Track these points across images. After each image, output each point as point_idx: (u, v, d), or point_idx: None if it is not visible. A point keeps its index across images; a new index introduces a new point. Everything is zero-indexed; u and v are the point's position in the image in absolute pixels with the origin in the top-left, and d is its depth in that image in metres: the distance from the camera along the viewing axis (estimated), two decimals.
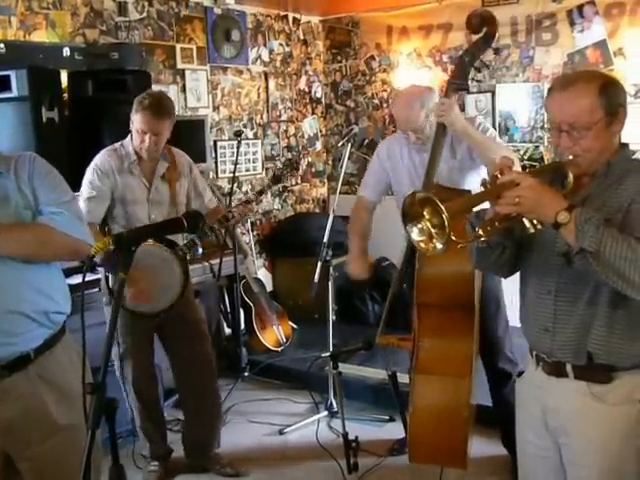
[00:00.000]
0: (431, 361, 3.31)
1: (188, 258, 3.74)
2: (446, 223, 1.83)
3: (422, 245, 1.96)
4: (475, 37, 3.57)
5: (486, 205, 2.07)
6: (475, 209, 2.09)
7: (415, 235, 1.96)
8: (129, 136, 3.76)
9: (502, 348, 3.72)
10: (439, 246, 1.90)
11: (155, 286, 3.57)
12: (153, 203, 3.75)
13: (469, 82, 3.66)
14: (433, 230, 1.91)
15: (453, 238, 1.87)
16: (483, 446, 3.87)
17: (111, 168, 3.68)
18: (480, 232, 2.02)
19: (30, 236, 2.30)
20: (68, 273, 2.54)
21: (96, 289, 3.84)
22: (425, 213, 1.92)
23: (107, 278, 3.58)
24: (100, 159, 3.71)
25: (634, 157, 2.19)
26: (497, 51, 3.37)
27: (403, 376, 3.98)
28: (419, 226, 1.94)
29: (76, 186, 2.48)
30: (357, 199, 4.07)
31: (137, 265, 3.32)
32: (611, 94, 2.08)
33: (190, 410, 4.09)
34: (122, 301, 3.47)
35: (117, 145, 3.77)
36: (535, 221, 1.98)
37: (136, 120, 3.63)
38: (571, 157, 2.08)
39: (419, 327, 3.37)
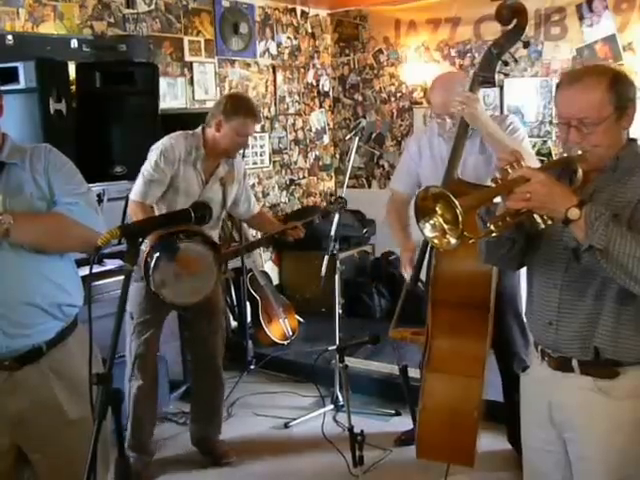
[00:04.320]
0: (443, 360, 3.29)
1: None
2: (460, 218, 1.82)
3: (436, 241, 1.96)
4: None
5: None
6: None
7: (428, 231, 1.95)
8: (200, 127, 3.79)
9: (517, 351, 3.67)
10: (453, 241, 1.89)
11: (193, 282, 3.61)
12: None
13: (495, 76, 3.51)
14: (446, 226, 1.91)
15: (465, 233, 1.87)
16: (491, 441, 3.87)
17: (179, 155, 3.69)
18: (492, 227, 2.02)
19: (45, 225, 2.30)
20: (77, 265, 2.53)
21: (105, 280, 3.85)
22: (437, 208, 1.92)
23: (145, 267, 3.55)
24: (170, 143, 3.71)
25: None
26: (526, 45, 3.28)
27: (412, 370, 4.00)
28: (431, 222, 1.94)
29: (84, 177, 2.47)
30: (390, 196, 4.05)
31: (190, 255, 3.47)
32: (621, 89, 2.07)
33: (196, 393, 4.22)
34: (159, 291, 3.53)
35: (188, 133, 3.78)
36: (545, 216, 1.98)
37: (237, 124, 3.68)
38: (580, 152, 2.07)
39: (432, 324, 3.35)
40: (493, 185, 2.04)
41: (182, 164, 3.71)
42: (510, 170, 1.99)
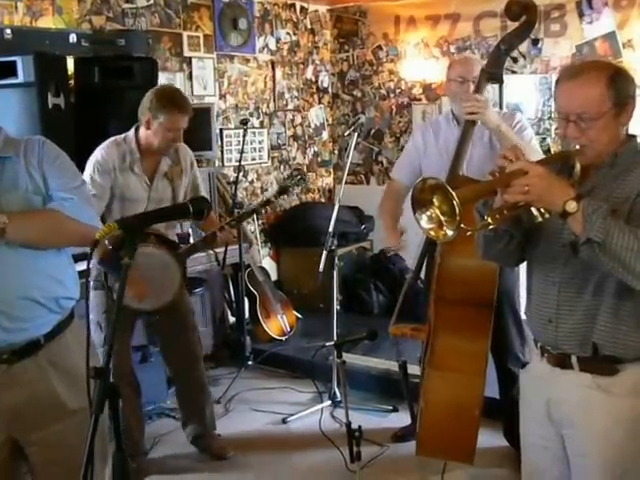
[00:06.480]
0: (446, 357, 3.27)
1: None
2: (457, 210, 1.82)
3: (432, 233, 1.95)
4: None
5: None
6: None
7: (424, 222, 1.95)
8: (132, 129, 3.67)
9: (513, 348, 3.69)
10: (449, 233, 1.89)
11: (155, 287, 3.57)
12: (153, 201, 3.68)
13: (503, 72, 3.49)
14: (443, 217, 1.90)
15: (462, 226, 1.86)
16: (488, 437, 3.86)
17: (113, 165, 3.58)
18: (489, 220, 2.01)
19: (41, 223, 2.29)
20: (75, 260, 2.53)
21: None
22: (435, 200, 1.91)
23: (105, 274, 3.56)
24: (101, 154, 3.60)
25: None
26: (535, 42, 3.22)
27: (410, 366, 3.99)
28: (428, 213, 1.93)
29: (82, 172, 2.47)
30: (387, 184, 4.04)
31: (139, 267, 3.40)
32: (620, 85, 2.07)
33: (180, 394, 4.14)
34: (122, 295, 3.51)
35: (120, 139, 3.66)
36: (543, 210, 1.98)
37: (165, 119, 3.52)
38: (578, 147, 2.07)
39: (436, 322, 3.33)
40: (490, 178, 2.04)
41: (118, 172, 3.59)
42: (508, 163, 1.99)
